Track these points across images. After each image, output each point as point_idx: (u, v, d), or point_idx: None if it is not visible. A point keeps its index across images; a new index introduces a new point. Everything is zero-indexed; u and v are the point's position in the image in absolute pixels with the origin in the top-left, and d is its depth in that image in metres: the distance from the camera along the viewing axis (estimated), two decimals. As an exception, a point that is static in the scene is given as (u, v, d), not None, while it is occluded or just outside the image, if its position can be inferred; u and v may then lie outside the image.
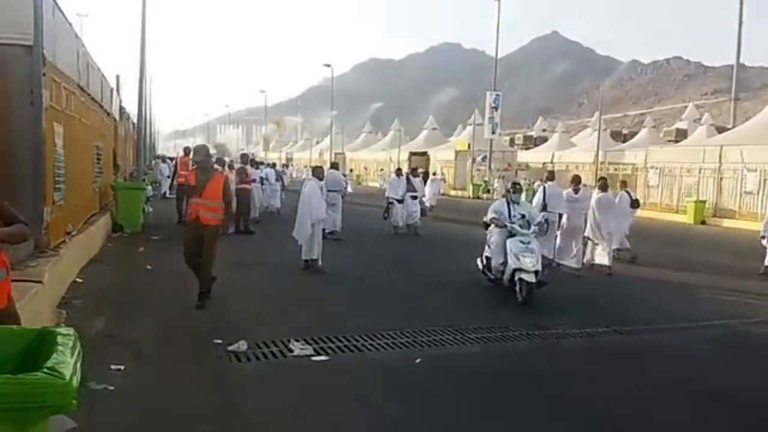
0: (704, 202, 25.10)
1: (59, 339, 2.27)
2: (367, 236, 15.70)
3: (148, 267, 10.11)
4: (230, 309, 7.64)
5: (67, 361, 2.06)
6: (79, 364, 2.13)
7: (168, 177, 27.87)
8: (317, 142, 76.03)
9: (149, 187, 20.49)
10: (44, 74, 7.32)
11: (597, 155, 30.87)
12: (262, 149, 77.37)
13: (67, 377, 1.95)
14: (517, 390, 5.16)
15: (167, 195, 25.92)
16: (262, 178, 19.02)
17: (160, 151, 57.83)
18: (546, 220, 9.92)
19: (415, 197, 16.49)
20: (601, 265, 11.40)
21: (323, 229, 10.92)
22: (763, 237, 12.09)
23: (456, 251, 13.18)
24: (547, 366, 5.86)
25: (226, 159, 21.77)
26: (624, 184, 13.53)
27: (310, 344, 6.09)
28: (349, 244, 13.88)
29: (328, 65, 60.30)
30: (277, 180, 21.00)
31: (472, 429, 4.39)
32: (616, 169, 31.47)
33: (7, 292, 3.13)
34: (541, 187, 11.94)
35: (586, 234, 11.52)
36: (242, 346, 5.92)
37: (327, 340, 6.27)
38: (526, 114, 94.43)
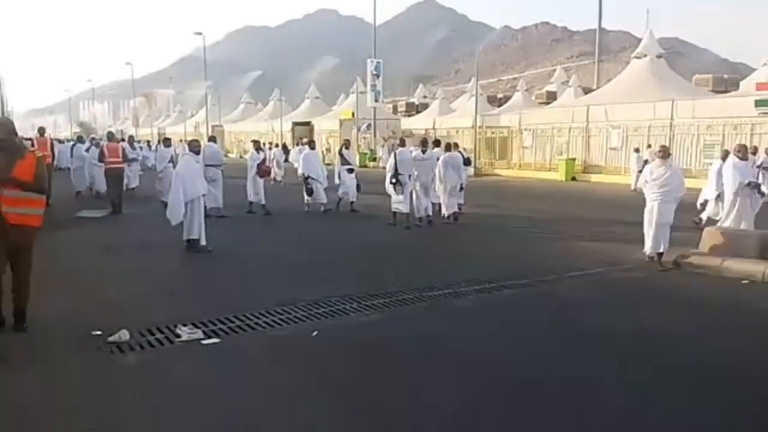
0: (574, 159, 26.75)
1: None
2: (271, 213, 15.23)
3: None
4: (108, 296, 7.06)
5: None
6: None
7: None
8: (192, 115, 72.54)
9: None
10: None
11: (475, 120, 31.87)
12: (131, 125, 72.69)
13: None
14: (414, 355, 5.17)
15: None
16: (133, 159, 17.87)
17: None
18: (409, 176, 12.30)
19: (351, 170, 15.02)
20: (447, 216, 12.91)
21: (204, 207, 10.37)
22: (703, 204, 12.22)
23: (347, 222, 13.14)
24: (443, 328, 5.92)
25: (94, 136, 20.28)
26: (456, 145, 14.57)
27: (199, 327, 5.76)
28: (246, 221, 13.40)
29: (200, 33, 57.31)
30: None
31: (371, 399, 4.33)
32: (493, 132, 32.71)
33: None
34: (393, 152, 13.09)
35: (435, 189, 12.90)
36: (124, 335, 5.47)
37: (217, 322, 5.96)
38: (408, 81, 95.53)
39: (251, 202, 14.69)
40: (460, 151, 14.64)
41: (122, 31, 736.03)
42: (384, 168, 14.27)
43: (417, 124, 42.67)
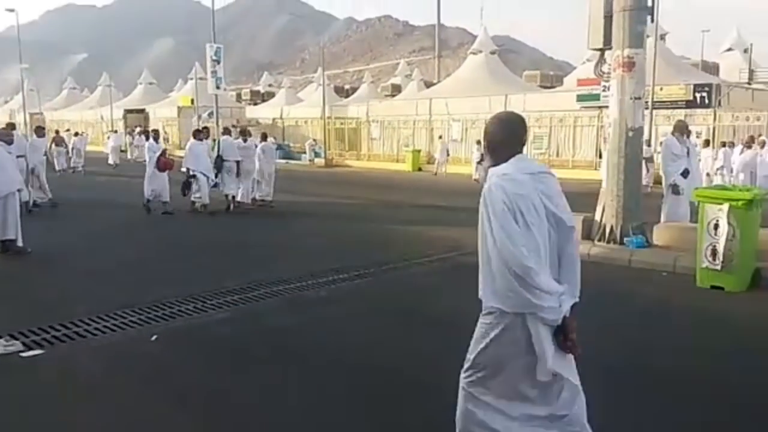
0: (419, 151, 27.71)
1: None
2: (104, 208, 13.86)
3: None
4: None
5: None
6: None
7: None
8: (6, 102, 64.81)
9: None
10: None
11: (324, 110, 31.81)
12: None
13: None
14: (264, 352, 4.90)
15: None
16: None
17: None
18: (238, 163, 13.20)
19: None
20: (263, 200, 13.83)
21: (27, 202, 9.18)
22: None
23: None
24: (290, 319, 5.70)
25: None
26: (265, 135, 15.37)
27: (17, 339, 5.02)
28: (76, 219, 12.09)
29: (12, 10, 51.15)
30: None
31: (218, 399, 4.01)
32: (342, 123, 32.89)
33: None
34: (218, 140, 14.45)
35: (254, 176, 13.77)
36: None
37: (40, 332, 5.24)
38: (251, 68, 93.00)
39: (149, 200, 12.88)
40: (272, 141, 15.79)
41: None
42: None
43: (263, 113, 41.71)
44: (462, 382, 2.79)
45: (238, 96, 49.25)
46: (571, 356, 2.71)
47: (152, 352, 4.91)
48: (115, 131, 34.39)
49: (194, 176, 12.79)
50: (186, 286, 6.74)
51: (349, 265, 7.77)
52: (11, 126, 13.18)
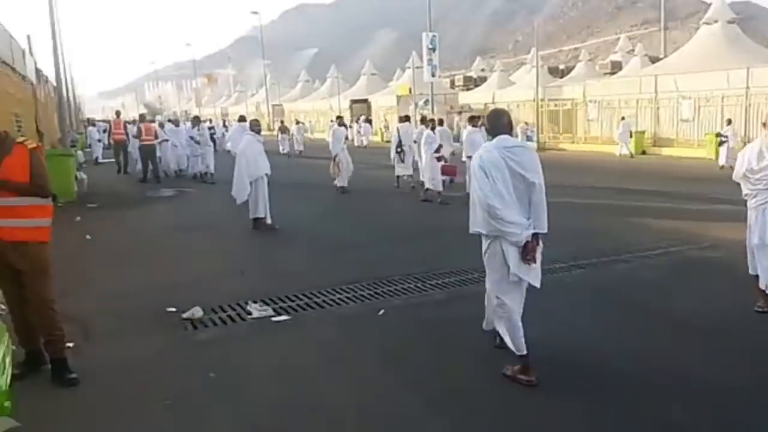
0: (643, 132, 25.68)
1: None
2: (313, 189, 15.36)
3: (88, 237, 9.55)
4: (179, 275, 7.28)
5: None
6: (8, 360, 1.77)
7: (99, 141, 26.58)
8: (252, 95, 73.64)
9: (80, 153, 19.45)
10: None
11: (537, 92, 30.99)
12: (194, 105, 74.51)
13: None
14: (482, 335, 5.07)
15: (99, 160, 24.77)
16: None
17: (87, 115, 54.88)
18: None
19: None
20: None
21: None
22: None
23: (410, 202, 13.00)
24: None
25: (158, 118, 21.50)
26: (441, 121, 15.94)
27: (268, 305, 5.86)
28: (305, 200, 13.55)
29: (256, 13, 58.01)
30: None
31: (443, 377, 4.29)
32: (556, 105, 31.75)
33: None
34: (396, 128, 15.63)
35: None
36: (197, 312, 5.63)
37: (286, 300, 6.05)
38: (464, 54, 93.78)
39: (427, 189, 12.74)
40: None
41: (182, 13, 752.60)
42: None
43: (475, 98, 41.92)
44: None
45: (452, 82, 50.02)
46: (534, 266, 4.10)
47: (381, 326, 5.36)
48: (332, 120, 37.83)
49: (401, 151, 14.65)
50: (405, 266, 7.19)
51: (570, 254, 7.54)
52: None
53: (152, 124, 18.52)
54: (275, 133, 32.77)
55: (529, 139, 30.78)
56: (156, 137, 17.61)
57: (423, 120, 16.57)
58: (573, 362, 4.45)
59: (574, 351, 4.67)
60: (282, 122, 34.06)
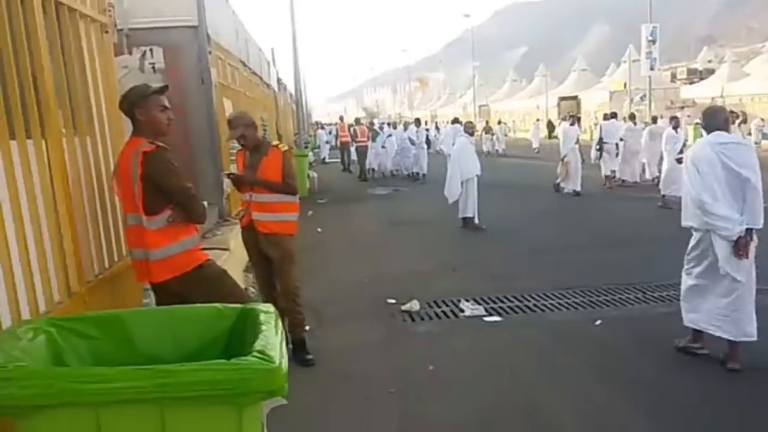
0: None
1: (261, 317, 2.22)
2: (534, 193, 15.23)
3: (318, 230, 10.63)
4: (395, 268, 7.77)
5: (273, 342, 1.99)
6: (284, 345, 2.07)
7: (327, 143, 29.50)
8: (460, 96, 74.81)
9: (311, 154, 21.81)
10: (210, 52, 7.70)
11: (779, 84, 27.09)
12: (407, 108, 77.91)
13: (277, 361, 1.88)
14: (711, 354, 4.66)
15: (326, 160, 27.42)
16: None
17: (315, 119, 60.50)
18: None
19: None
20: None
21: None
22: None
23: (628, 203, 12.31)
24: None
25: (375, 121, 23.38)
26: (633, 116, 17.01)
27: (480, 304, 6.01)
28: (510, 200, 13.56)
29: (467, 15, 58.83)
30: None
31: (666, 393, 4.05)
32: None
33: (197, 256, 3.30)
34: (599, 125, 16.03)
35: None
36: (414, 305, 5.99)
37: (497, 300, 6.15)
38: (686, 45, 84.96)
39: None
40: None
41: (399, 21, 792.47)
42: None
43: (700, 92, 37.93)
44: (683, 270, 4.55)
45: (673, 76, 45.89)
46: (745, 261, 4.09)
47: (597, 337, 5.17)
48: (538, 120, 37.79)
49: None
50: (624, 275, 6.86)
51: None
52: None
53: (365, 127, 20.64)
54: (479, 132, 33.45)
55: (765, 137, 27.11)
56: (368, 139, 19.43)
57: (655, 119, 16.18)
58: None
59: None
60: (487, 122, 34.84)
